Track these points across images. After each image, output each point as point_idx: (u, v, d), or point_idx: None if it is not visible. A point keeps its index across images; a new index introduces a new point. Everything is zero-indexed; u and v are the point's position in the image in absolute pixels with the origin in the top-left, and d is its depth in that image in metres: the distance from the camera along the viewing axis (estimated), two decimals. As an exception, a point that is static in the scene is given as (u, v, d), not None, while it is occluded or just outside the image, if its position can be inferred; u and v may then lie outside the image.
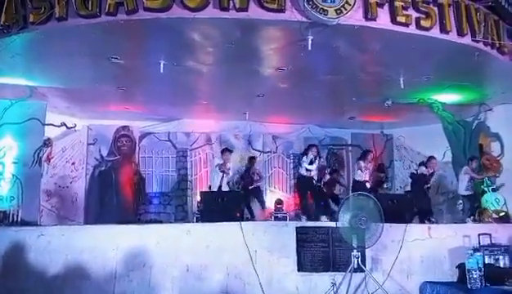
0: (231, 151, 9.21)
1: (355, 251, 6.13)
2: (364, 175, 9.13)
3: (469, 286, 5.82)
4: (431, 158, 9.11)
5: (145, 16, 5.61)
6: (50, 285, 6.00)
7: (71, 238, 6.27)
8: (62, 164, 9.92)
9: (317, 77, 7.80)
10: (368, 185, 9.11)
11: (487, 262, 6.17)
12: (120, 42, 6.33)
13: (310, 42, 6.00)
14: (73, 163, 10.07)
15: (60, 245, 6.17)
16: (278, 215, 7.94)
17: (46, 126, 8.88)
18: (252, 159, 10.45)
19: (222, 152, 9.12)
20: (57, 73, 7.51)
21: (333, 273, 6.45)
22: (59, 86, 8.13)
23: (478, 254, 6.06)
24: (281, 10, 5.64)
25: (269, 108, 9.89)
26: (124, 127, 10.46)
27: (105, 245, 6.24)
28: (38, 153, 8.59)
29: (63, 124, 9.51)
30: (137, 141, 10.58)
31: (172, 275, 6.26)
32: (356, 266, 6.13)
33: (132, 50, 6.63)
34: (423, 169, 9.07)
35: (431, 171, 9.01)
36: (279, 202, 9.69)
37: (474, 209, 8.55)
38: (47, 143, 9.02)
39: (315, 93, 8.71)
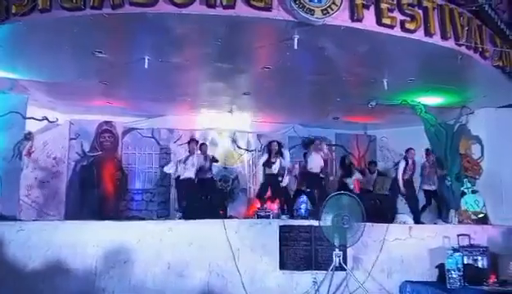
0: (197, 142, 9.08)
1: (337, 250, 6.19)
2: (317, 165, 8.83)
3: (448, 285, 5.94)
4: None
5: (131, 11, 5.54)
6: (29, 280, 5.93)
7: (51, 233, 6.20)
8: (43, 159, 9.77)
9: (303, 76, 7.82)
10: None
11: (466, 262, 6.29)
12: (105, 36, 6.24)
13: (296, 41, 6.00)
14: (54, 158, 9.92)
15: (39, 240, 6.10)
16: (261, 213, 7.92)
17: (27, 120, 8.74)
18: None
19: (189, 142, 8.99)
20: (39, 66, 7.39)
21: (315, 271, 6.51)
22: (41, 80, 7.99)
23: (458, 254, 6.18)
24: (268, 8, 5.63)
25: (254, 106, 9.88)
26: (107, 123, 10.31)
27: (86, 241, 6.19)
28: (19, 147, 8.48)
29: (45, 118, 9.36)
30: (120, 137, 10.44)
31: (154, 272, 6.23)
32: (337, 265, 6.19)
33: (117, 44, 6.55)
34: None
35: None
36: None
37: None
38: (28, 137, 8.87)
39: (300, 92, 8.73)
